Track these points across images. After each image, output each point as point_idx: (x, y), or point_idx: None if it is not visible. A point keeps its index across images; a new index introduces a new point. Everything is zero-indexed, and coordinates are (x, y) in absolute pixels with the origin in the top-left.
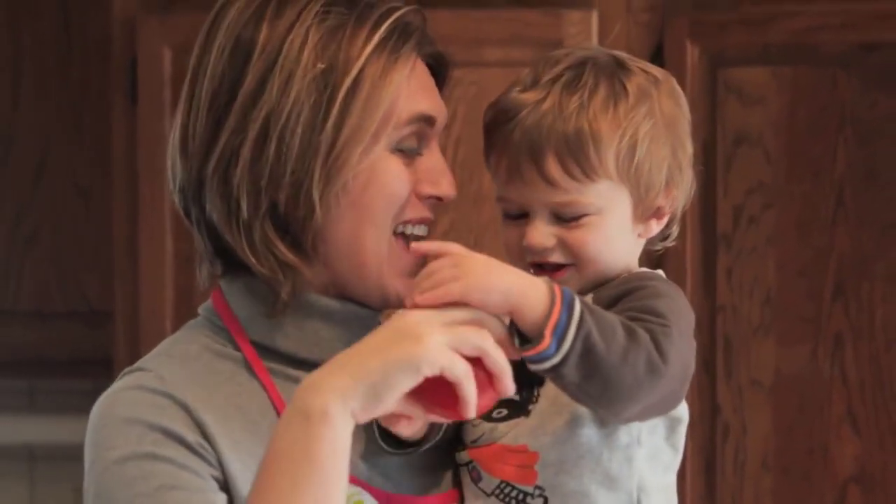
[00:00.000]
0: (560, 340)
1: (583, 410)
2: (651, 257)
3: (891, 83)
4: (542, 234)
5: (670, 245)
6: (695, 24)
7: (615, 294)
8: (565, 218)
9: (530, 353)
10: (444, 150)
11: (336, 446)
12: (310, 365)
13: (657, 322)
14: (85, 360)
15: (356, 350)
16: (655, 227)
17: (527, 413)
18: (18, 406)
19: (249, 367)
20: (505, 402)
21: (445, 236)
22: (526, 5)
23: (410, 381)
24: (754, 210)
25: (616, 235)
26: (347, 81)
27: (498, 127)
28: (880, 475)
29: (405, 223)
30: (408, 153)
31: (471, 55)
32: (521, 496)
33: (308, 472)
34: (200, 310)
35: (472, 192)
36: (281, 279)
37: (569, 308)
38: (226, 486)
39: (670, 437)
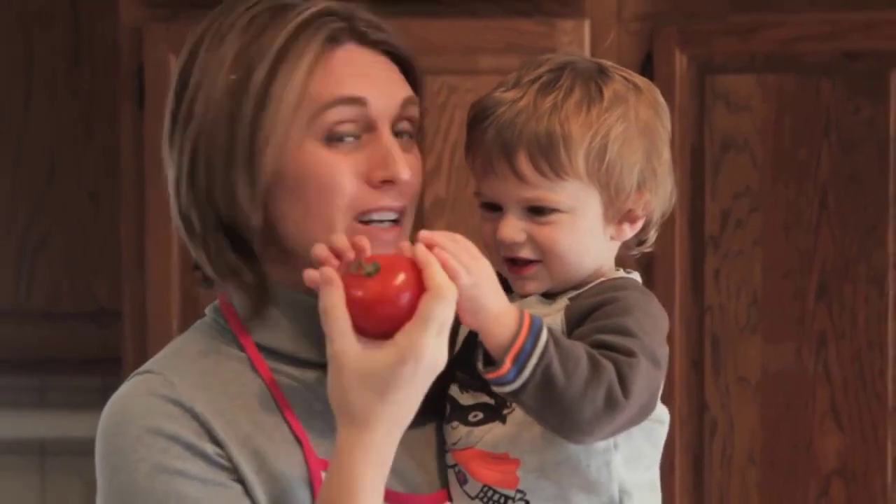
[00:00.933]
0: (520, 368)
1: None
2: (640, 260)
3: (873, 90)
4: (513, 228)
5: (647, 251)
6: (683, 33)
7: (589, 305)
8: (536, 213)
9: (491, 375)
10: (440, 155)
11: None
12: (311, 364)
13: (624, 349)
14: (94, 359)
15: (395, 397)
16: (629, 231)
17: (503, 419)
18: (30, 402)
19: (254, 368)
20: (480, 406)
21: None
22: (520, 15)
23: None
24: (741, 213)
25: (585, 235)
26: (255, 85)
27: (477, 124)
28: (862, 469)
29: (365, 213)
30: (343, 141)
31: (466, 63)
32: (503, 500)
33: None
34: (207, 311)
35: (468, 196)
36: (243, 286)
37: (535, 337)
38: (244, 484)
39: (650, 437)
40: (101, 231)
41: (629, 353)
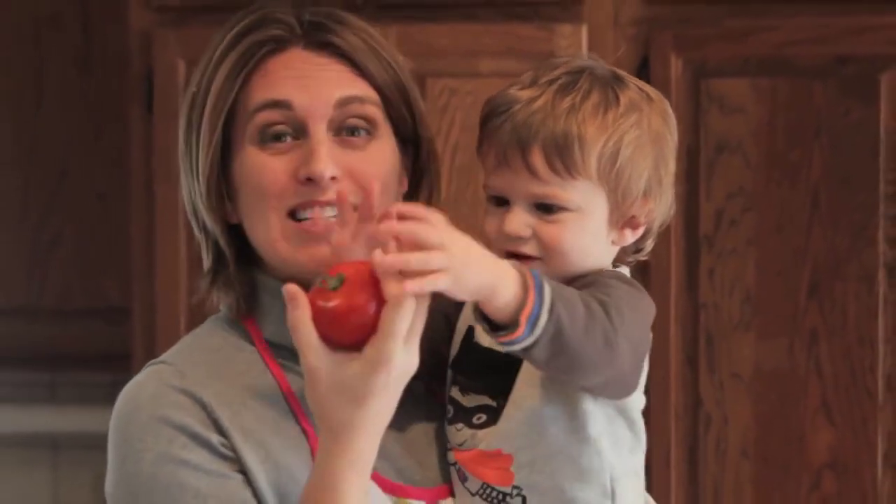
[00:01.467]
0: (533, 326)
1: (548, 412)
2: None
3: (863, 93)
4: (519, 222)
5: (643, 259)
6: (679, 37)
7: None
8: (543, 211)
9: (504, 339)
10: (441, 157)
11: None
12: None
13: (613, 298)
14: (104, 355)
15: (370, 406)
16: (630, 237)
17: (497, 421)
18: (42, 398)
19: (263, 361)
20: (482, 408)
21: None
22: (519, 19)
23: None
24: (735, 213)
25: (589, 236)
26: (199, 95)
27: (492, 118)
28: (853, 462)
29: (295, 209)
30: (279, 142)
31: (467, 66)
32: (501, 496)
33: None
34: (222, 306)
35: (468, 197)
36: (219, 286)
37: (540, 294)
38: (246, 475)
39: (626, 417)
40: (111, 230)
41: (604, 302)
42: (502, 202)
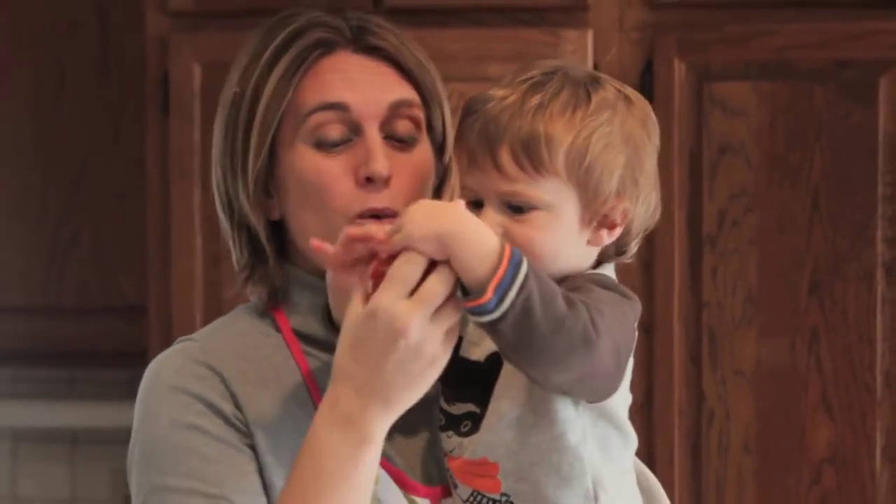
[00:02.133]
0: (501, 297)
1: (528, 420)
2: (641, 258)
3: (862, 97)
4: (490, 221)
5: (627, 261)
6: (682, 42)
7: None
8: (514, 209)
9: (471, 304)
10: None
11: (374, 466)
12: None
13: (593, 300)
14: (121, 352)
15: (379, 375)
16: (606, 238)
17: (479, 427)
18: (61, 393)
19: (288, 349)
20: (468, 416)
21: None
22: (526, 25)
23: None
24: (737, 214)
25: (561, 235)
26: (248, 96)
27: (465, 118)
28: (852, 457)
29: (364, 213)
30: (329, 145)
31: (475, 71)
32: (490, 503)
33: (355, 490)
34: (252, 297)
35: None
36: (255, 279)
37: (515, 268)
38: (256, 453)
39: (611, 419)
40: (128, 231)
41: (596, 304)
42: (477, 204)
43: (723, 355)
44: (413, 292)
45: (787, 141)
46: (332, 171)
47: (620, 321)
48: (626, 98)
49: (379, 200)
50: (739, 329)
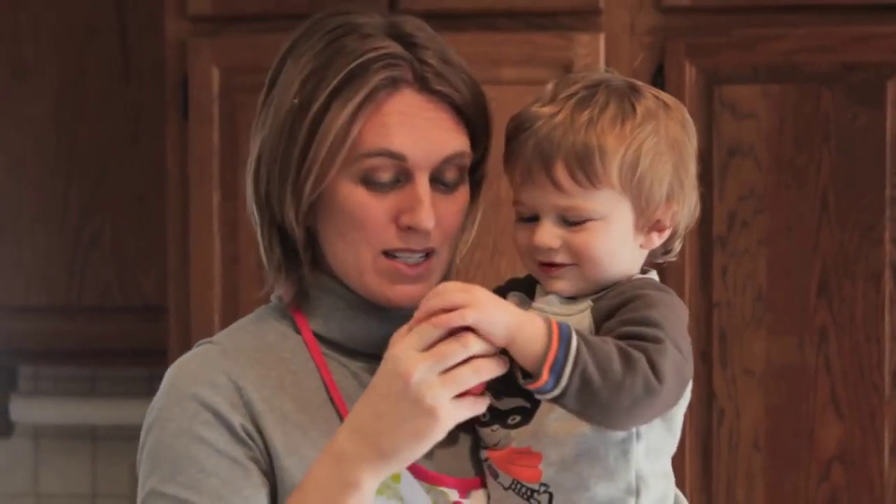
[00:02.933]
0: (558, 377)
1: None
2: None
3: (870, 99)
4: (549, 235)
5: (672, 259)
6: (692, 46)
7: (614, 304)
8: (571, 222)
9: (531, 386)
10: None
11: None
12: (358, 354)
13: (651, 337)
14: (141, 351)
15: (376, 418)
16: (657, 240)
17: (530, 420)
18: (82, 391)
19: (308, 351)
20: (517, 410)
21: None
22: (539, 29)
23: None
24: (747, 214)
25: (617, 242)
26: (311, 114)
27: (516, 136)
28: (860, 454)
29: (393, 251)
30: (378, 186)
31: (489, 74)
32: (528, 492)
33: None
34: (273, 297)
35: (490, 198)
36: (286, 283)
37: (566, 345)
38: (269, 462)
39: (671, 425)
40: (148, 232)
41: (656, 341)
42: (531, 217)
43: (733, 354)
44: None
45: (795, 143)
46: (377, 211)
47: (681, 339)
48: (665, 104)
49: (417, 244)
50: (749, 328)
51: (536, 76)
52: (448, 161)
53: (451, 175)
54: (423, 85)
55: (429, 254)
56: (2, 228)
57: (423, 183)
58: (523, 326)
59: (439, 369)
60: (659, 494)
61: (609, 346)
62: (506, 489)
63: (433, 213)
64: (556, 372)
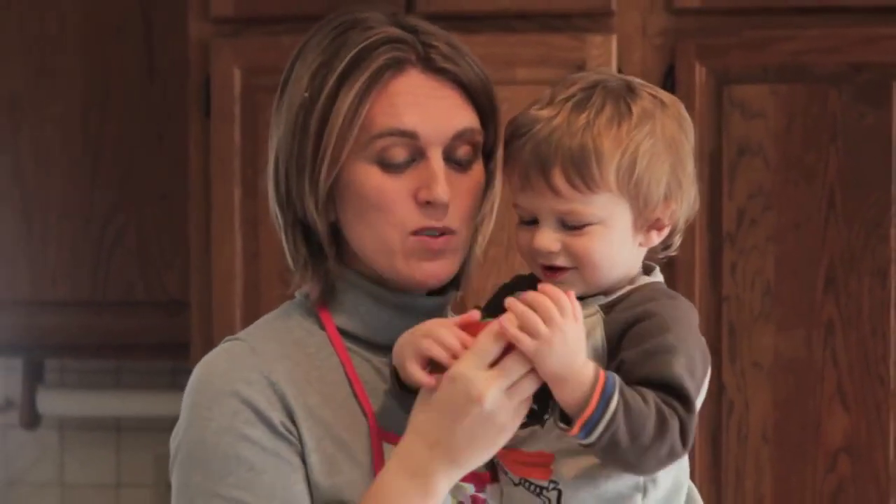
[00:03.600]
0: (588, 432)
1: None
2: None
3: (876, 99)
4: (548, 239)
5: (672, 254)
6: (702, 47)
7: (625, 319)
8: (570, 226)
9: (561, 427)
10: None
11: None
12: (382, 348)
13: (682, 395)
14: (164, 344)
15: (451, 433)
16: (656, 238)
17: (542, 423)
18: (107, 384)
19: (332, 346)
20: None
21: None
22: (553, 30)
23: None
24: (755, 212)
25: (617, 244)
26: (320, 103)
27: (514, 140)
28: (867, 446)
29: (418, 230)
30: (393, 166)
31: (504, 75)
32: (538, 489)
33: None
34: (297, 293)
35: (505, 197)
36: (312, 279)
37: (604, 405)
38: (303, 456)
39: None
40: (171, 229)
41: (687, 402)
42: (532, 222)
43: (742, 348)
44: (492, 365)
45: (803, 142)
46: (394, 191)
47: (694, 339)
48: (661, 102)
49: (437, 220)
50: (758, 323)
51: (550, 77)
52: (459, 137)
53: (463, 152)
54: (428, 65)
55: (447, 233)
56: (29, 225)
57: (436, 158)
58: (570, 381)
59: (506, 386)
60: (670, 484)
61: (650, 407)
62: (516, 485)
63: (448, 186)
64: (588, 429)
